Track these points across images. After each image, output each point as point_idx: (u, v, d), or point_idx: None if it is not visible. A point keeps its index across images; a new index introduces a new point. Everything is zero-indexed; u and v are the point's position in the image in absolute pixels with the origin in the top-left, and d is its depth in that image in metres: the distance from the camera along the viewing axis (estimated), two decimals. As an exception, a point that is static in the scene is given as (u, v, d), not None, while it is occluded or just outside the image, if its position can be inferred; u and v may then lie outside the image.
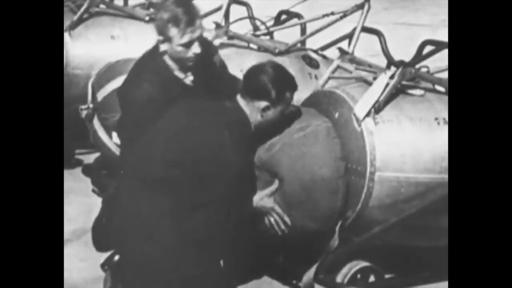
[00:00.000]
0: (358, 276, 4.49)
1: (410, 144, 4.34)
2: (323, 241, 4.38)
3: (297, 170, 4.19)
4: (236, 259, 4.19)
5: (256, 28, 5.83)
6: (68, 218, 5.19)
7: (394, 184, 4.31)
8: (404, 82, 4.48)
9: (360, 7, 5.43)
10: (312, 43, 5.71)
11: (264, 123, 3.96)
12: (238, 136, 3.80)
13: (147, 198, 3.76)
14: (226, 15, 6.02)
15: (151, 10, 6.39)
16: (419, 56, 5.21)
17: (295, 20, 6.02)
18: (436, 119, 4.40)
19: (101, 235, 4.96)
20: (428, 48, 5.24)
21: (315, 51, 5.60)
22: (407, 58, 5.21)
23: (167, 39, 4.01)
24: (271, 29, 5.81)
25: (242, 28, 5.70)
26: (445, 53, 4.43)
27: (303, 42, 5.72)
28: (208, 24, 5.63)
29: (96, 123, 5.25)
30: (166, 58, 4.08)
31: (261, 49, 5.46)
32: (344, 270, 4.47)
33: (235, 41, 5.48)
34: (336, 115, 4.41)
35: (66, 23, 6.23)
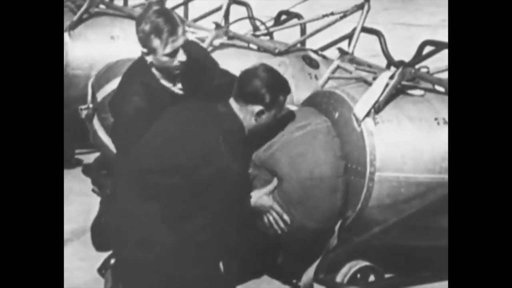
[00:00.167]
0: (358, 275, 4.49)
1: (410, 144, 4.34)
2: (323, 240, 4.38)
3: (296, 169, 4.20)
4: (236, 258, 4.20)
5: (256, 28, 5.84)
6: (68, 218, 5.18)
7: (394, 184, 4.31)
8: (404, 82, 4.48)
9: (360, 7, 5.43)
10: (312, 44, 5.71)
11: (258, 127, 3.95)
12: (232, 141, 3.80)
13: (142, 202, 3.77)
14: (226, 15, 6.02)
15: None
16: (419, 56, 5.22)
17: (295, 21, 6.02)
18: (436, 119, 4.40)
19: (101, 235, 4.97)
20: (428, 49, 5.25)
21: (315, 51, 5.60)
22: (407, 58, 5.23)
23: (152, 51, 3.99)
24: (271, 29, 5.81)
25: (242, 28, 5.70)
26: (445, 53, 4.44)
27: (303, 43, 5.73)
28: (208, 24, 5.65)
29: (96, 123, 5.25)
30: (153, 69, 4.07)
31: (261, 49, 5.46)
32: (344, 269, 4.47)
33: (235, 41, 5.48)
34: (336, 115, 4.41)
35: (66, 23, 6.23)
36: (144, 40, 4.00)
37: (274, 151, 4.22)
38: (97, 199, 5.25)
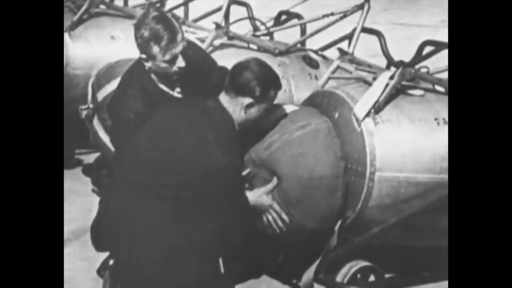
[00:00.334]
0: (358, 275, 4.49)
1: (410, 144, 4.34)
2: (323, 240, 4.38)
3: (296, 168, 4.20)
4: (236, 258, 4.19)
5: (256, 28, 5.84)
6: (68, 218, 5.19)
7: (394, 184, 4.31)
8: (404, 83, 4.48)
9: (360, 7, 5.44)
10: (312, 44, 5.71)
11: (248, 121, 3.95)
12: (221, 136, 3.80)
13: (138, 203, 3.77)
14: (226, 16, 6.02)
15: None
16: (419, 56, 5.22)
17: (295, 21, 6.02)
18: (436, 119, 4.40)
19: (100, 235, 4.96)
20: (428, 49, 5.25)
21: (315, 52, 5.61)
22: (407, 58, 5.23)
23: (151, 57, 3.98)
24: (271, 29, 5.81)
25: (242, 28, 5.70)
26: (445, 53, 4.44)
27: (303, 43, 5.73)
28: (208, 24, 5.65)
29: (96, 123, 5.25)
30: (152, 74, 4.07)
31: (261, 49, 5.46)
32: (344, 269, 4.47)
33: (235, 42, 5.48)
34: (336, 115, 4.41)
35: (66, 23, 6.23)
36: (143, 47, 3.98)
37: (274, 150, 4.23)
38: (97, 199, 5.23)
